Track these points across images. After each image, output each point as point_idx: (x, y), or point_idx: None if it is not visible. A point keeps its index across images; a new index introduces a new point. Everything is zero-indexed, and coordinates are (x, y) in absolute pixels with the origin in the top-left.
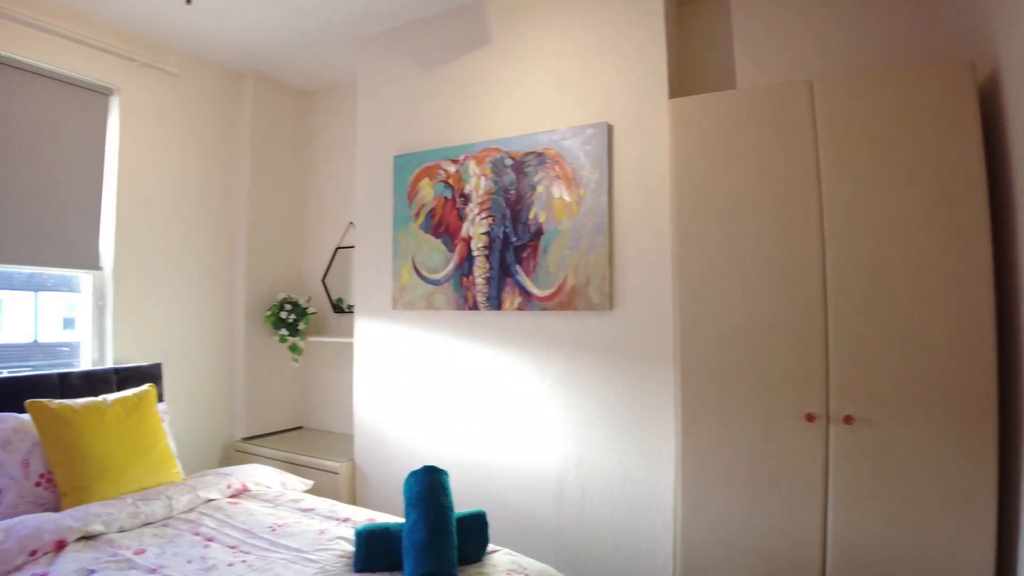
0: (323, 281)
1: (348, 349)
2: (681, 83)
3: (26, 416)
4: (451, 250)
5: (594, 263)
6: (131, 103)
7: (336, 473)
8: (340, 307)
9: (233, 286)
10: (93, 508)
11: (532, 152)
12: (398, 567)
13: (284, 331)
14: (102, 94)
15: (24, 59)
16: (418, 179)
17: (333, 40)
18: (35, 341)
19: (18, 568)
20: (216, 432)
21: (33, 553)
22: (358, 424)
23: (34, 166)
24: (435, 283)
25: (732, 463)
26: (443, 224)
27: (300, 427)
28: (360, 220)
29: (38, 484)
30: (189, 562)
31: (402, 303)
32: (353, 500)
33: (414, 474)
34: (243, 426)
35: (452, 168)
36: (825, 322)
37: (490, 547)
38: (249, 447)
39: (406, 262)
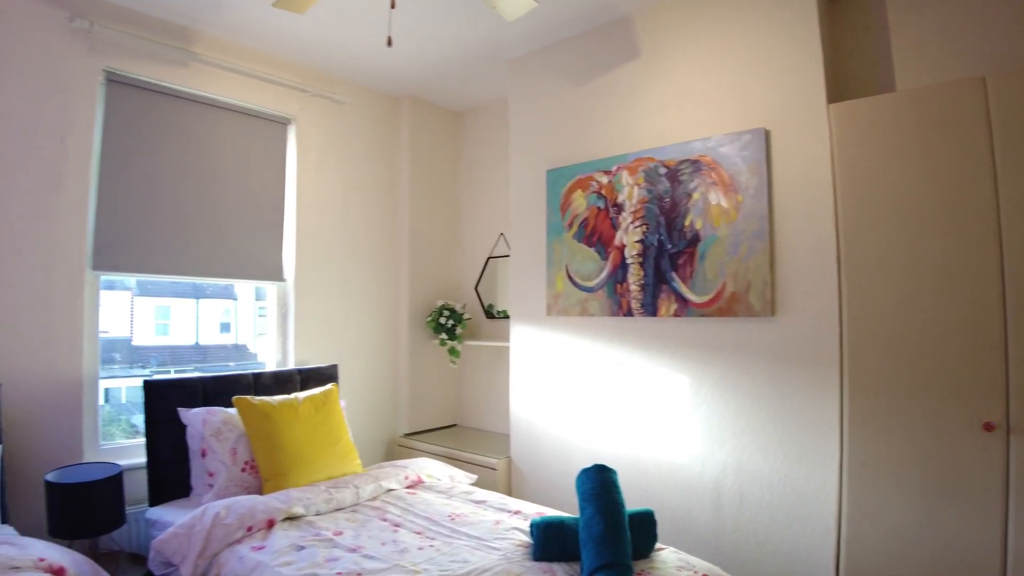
0: (476, 289)
1: (500, 352)
2: (837, 86)
3: (232, 410)
4: (604, 258)
5: (754, 269)
6: (305, 130)
7: (494, 469)
8: (491, 313)
9: (397, 294)
10: (294, 493)
11: (687, 160)
12: (574, 558)
13: (444, 335)
14: (282, 124)
15: (219, 97)
16: (571, 191)
17: (484, 63)
18: (196, 344)
19: (238, 541)
20: (382, 428)
21: (249, 529)
22: (514, 423)
23: (229, 190)
24: (589, 290)
25: (902, 473)
26: (596, 233)
27: (454, 425)
28: (513, 231)
29: (243, 470)
30: (383, 544)
31: (556, 310)
32: (509, 495)
33: (586, 471)
34: (405, 423)
35: (605, 179)
36: (1004, 327)
37: (657, 544)
38: (410, 442)
39: (560, 270)
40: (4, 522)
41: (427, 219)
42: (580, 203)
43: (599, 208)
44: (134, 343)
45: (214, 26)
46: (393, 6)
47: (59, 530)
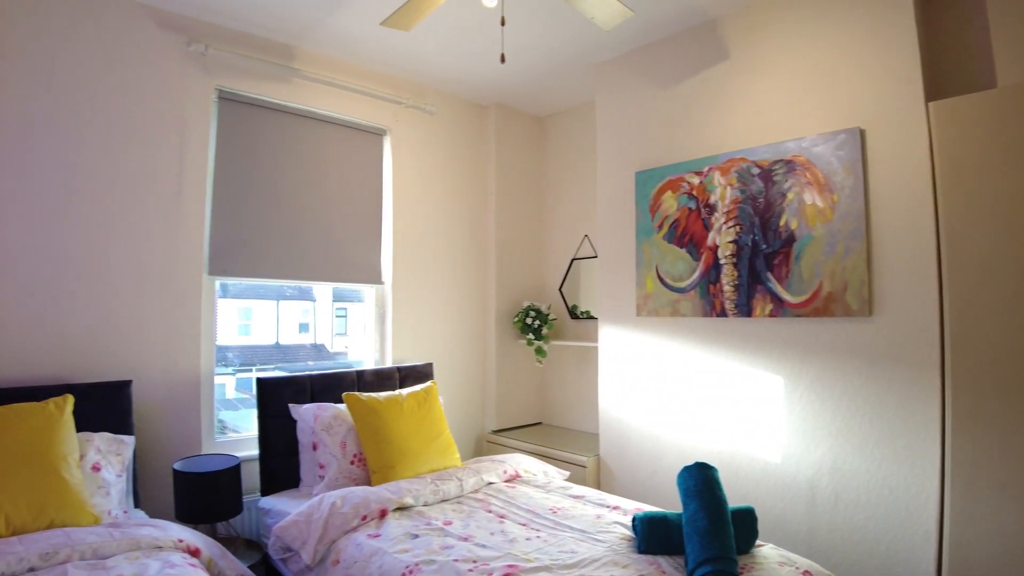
0: (560, 290)
1: (585, 352)
2: (935, 83)
3: (341, 406)
4: (696, 259)
5: (851, 268)
6: (399, 140)
7: (583, 467)
8: (575, 313)
9: (485, 295)
10: (403, 484)
11: (780, 160)
12: (678, 552)
13: (530, 335)
14: (378, 135)
15: (320, 111)
16: (661, 192)
17: (570, 68)
18: (276, 343)
19: (354, 529)
20: (471, 424)
21: (364, 518)
22: (603, 422)
23: (331, 198)
24: (680, 291)
25: (1011, 475)
26: (688, 234)
27: (539, 423)
28: (601, 233)
29: (352, 462)
30: (492, 534)
31: (646, 310)
32: None
33: (688, 469)
34: (493, 420)
35: (696, 180)
36: None
37: (757, 541)
38: (498, 439)
39: (650, 271)
40: (137, 507)
41: (513, 222)
42: (670, 204)
43: (690, 209)
44: (217, 343)
45: (314, 43)
46: (503, 23)
47: (185, 515)
